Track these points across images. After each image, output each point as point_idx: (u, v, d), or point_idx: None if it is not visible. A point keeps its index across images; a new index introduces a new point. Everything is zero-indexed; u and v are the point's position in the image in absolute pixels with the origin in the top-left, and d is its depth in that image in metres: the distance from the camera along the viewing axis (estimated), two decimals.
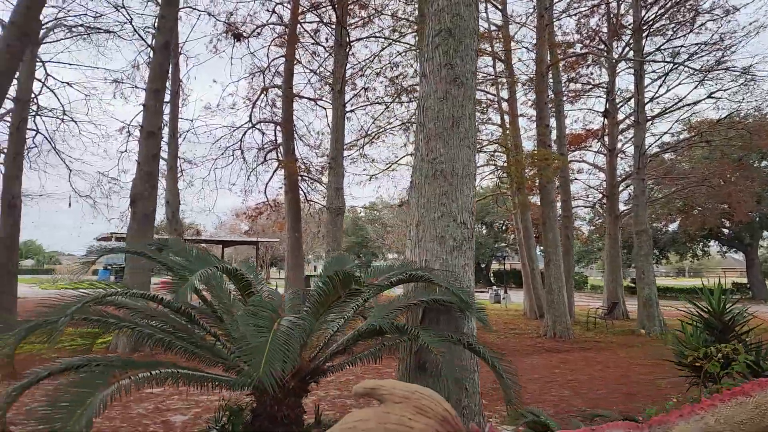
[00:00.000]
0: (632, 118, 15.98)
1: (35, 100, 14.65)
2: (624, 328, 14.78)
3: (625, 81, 28.45)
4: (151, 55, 16.69)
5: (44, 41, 14.87)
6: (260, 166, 18.12)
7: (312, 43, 16.22)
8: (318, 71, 16.42)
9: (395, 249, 39.22)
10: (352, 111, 14.26)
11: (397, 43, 13.69)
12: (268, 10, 16.56)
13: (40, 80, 14.87)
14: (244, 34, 16.96)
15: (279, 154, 17.82)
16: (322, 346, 3.00)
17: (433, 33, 4.13)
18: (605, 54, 16.96)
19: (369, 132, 15.50)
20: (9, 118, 13.17)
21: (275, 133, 17.95)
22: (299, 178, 16.31)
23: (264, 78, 17.46)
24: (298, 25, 15.89)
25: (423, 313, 3.66)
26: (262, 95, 17.53)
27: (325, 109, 17.63)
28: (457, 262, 3.77)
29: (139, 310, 2.97)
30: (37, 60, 14.55)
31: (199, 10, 15.68)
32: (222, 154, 17.75)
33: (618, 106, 18.26)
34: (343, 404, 5.86)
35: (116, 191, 17.34)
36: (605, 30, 17.81)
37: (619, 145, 19.21)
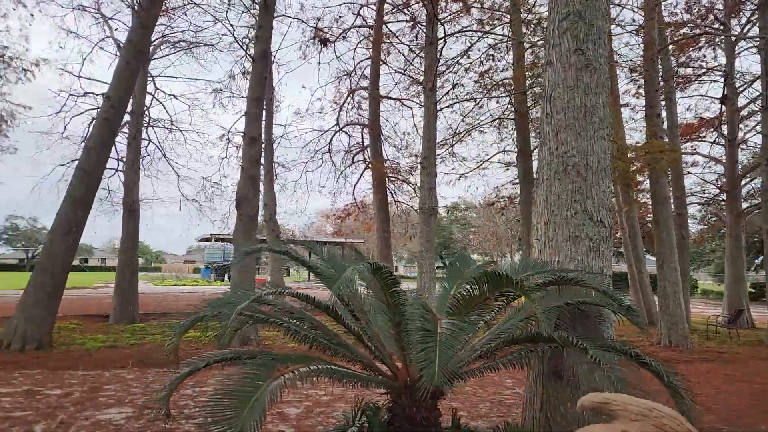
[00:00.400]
0: (758, 103, 14.33)
1: (147, 113, 16.10)
2: (750, 338, 13.29)
3: (746, 62, 25.69)
4: (246, 65, 17.84)
5: (153, 57, 16.33)
6: (348, 168, 18.60)
7: (398, 43, 16.35)
8: (404, 71, 16.51)
9: (481, 250, 38.45)
10: (440, 110, 14.13)
11: (489, 36, 13.38)
12: (353, 14, 16.95)
13: (150, 94, 16.33)
14: (331, 39, 17.49)
15: (366, 156, 18.17)
16: (462, 348, 2.94)
17: (560, 17, 3.91)
18: (723, 33, 15.35)
19: (458, 130, 15.30)
20: (126, 130, 14.57)
21: (362, 135, 18.32)
22: (387, 179, 16.50)
23: (350, 81, 17.90)
24: (384, 26, 16.10)
25: (558, 318, 3.48)
26: (349, 98, 17.98)
27: (411, 109, 17.71)
28: (594, 264, 3.52)
29: (277, 306, 3.09)
30: (148, 75, 16.00)
31: (289, 17, 16.40)
32: (312, 157, 18.44)
33: (738, 91, 16.46)
34: (476, 409, 5.75)
35: (218, 195, 18.60)
36: (720, 7, 16.14)
37: (740, 134, 17.31)
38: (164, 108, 17.12)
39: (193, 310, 2.85)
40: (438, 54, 12.15)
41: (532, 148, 13.03)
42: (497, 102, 14.91)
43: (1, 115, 15.15)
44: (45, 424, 4.75)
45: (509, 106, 14.79)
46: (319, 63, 17.51)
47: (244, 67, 17.89)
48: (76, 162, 15.05)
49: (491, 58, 14.31)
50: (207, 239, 34.96)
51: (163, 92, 17.16)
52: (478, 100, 14.51)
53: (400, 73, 16.71)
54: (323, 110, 20.18)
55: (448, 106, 13.82)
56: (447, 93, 13.98)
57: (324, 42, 16.95)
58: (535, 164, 12.60)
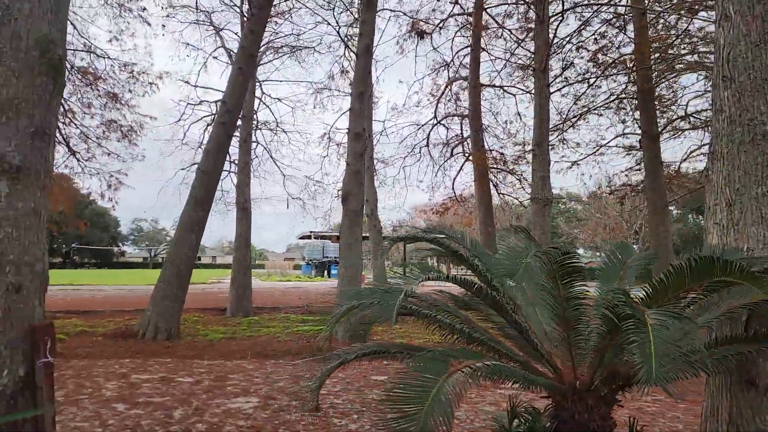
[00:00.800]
0: None
1: (256, 116, 17.06)
2: None
3: None
4: (345, 64, 18.25)
5: (259, 63, 17.24)
6: (447, 162, 18.31)
7: (498, 28, 15.71)
8: (511, 53, 15.84)
9: (588, 243, 36.00)
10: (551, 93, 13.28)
11: (605, 11, 12.33)
12: (451, 2, 16.59)
13: (258, 98, 17.28)
14: (428, 31, 17.29)
15: (466, 148, 17.74)
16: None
17: None
18: None
19: (568, 115, 14.35)
20: (237, 133, 15.52)
21: (461, 126, 17.93)
22: (489, 170, 15.96)
23: (448, 72, 17.58)
24: (484, 12, 15.56)
25: (747, 319, 2.95)
26: (447, 89, 17.67)
27: (514, 96, 16.96)
28: None
29: (421, 298, 2.94)
30: (256, 80, 16.93)
31: (390, 10, 16.42)
32: (410, 152, 18.40)
33: None
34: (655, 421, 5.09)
35: (320, 193, 19.24)
36: None
37: None
38: (270, 111, 18.10)
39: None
40: (552, 33, 11.40)
41: (660, 129, 11.80)
42: (614, 81, 13.74)
43: (131, 125, 16.86)
44: (182, 410, 5.04)
45: (628, 84, 13.56)
46: (416, 56, 17.43)
47: (342, 66, 18.33)
48: (195, 165, 16.46)
49: (604, 36, 13.19)
50: (307, 237, 36.60)
51: (269, 96, 18.11)
52: (593, 80, 13.46)
53: (501, 59, 16.08)
54: (420, 104, 20.08)
55: (557, 90, 12.99)
56: (557, 77, 13.14)
57: (421, 34, 16.81)
58: (663, 146, 11.38)
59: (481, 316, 3.22)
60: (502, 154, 17.08)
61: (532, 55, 12.89)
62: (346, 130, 11.70)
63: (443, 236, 2.98)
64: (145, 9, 15.91)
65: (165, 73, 17.32)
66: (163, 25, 17.00)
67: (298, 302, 17.48)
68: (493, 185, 16.47)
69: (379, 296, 2.53)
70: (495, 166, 16.83)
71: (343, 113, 18.24)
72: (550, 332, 2.77)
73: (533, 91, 12.16)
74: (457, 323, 2.74)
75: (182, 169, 16.74)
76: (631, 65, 12.89)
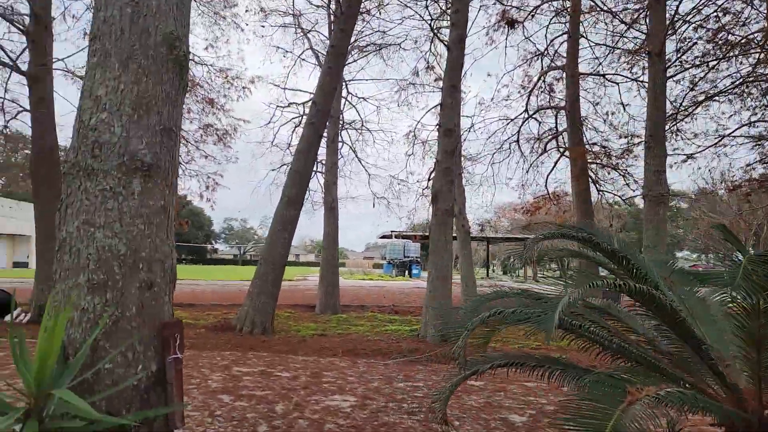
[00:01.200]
0: None
1: (342, 116, 17.32)
2: None
3: None
4: (431, 60, 17.98)
5: (345, 63, 17.48)
6: (539, 158, 17.45)
7: (600, 11, 14.63)
8: (611, 42, 14.72)
9: (693, 247, 32.77)
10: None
11: None
12: None
13: (344, 98, 17.52)
14: (519, 19, 16.54)
15: (561, 142, 16.79)
16: None
17: None
18: None
19: (684, 103, 13.00)
20: (325, 133, 15.82)
21: (555, 119, 16.98)
22: (589, 166, 14.96)
23: (541, 62, 16.72)
24: None
25: None
26: (540, 81, 16.82)
27: (616, 84, 15.75)
28: None
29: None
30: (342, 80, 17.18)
31: None
32: (499, 148, 17.75)
33: None
34: None
35: (404, 192, 19.16)
36: None
37: None
38: (356, 111, 18.27)
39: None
40: (671, 12, 10.32)
41: None
42: (740, 63, 12.22)
43: (226, 129, 17.84)
44: (283, 404, 5.10)
45: (757, 66, 12.01)
46: (506, 47, 16.69)
47: (428, 62, 18.08)
48: (284, 166, 17.05)
49: (728, 12, 11.75)
50: (388, 236, 36.82)
51: (355, 96, 18.30)
52: (713, 62, 12.05)
53: (604, 45, 14.96)
54: (509, 97, 19.27)
55: (670, 77, 11.75)
56: (670, 61, 11.91)
57: (512, 23, 16.11)
58: None
59: (624, 326, 2.84)
60: (604, 147, 15.91)
61: (643, 39, 11.78)
62: (436, 126, 11.45)
63: (585, 234, 2.64)
64: (237, 15, 16.77)
65: (257, 77, 18.11)
66: (254, 32, 17.77)
67: (383, 301, 17.53)
68: (593, 182, 15.40)
69: (519, 302, 2.26)
70: (596, 161, 15.73)
71: (429, 110, 18.04)
72: (722, 349, 2.34)
73: (646, 78, 11.12)
74: (606, 335, 2.40)
75: (272, 169, 17.41)
76: (762, 43, 11.39)
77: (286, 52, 17.69)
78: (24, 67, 11.11)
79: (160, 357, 2.61)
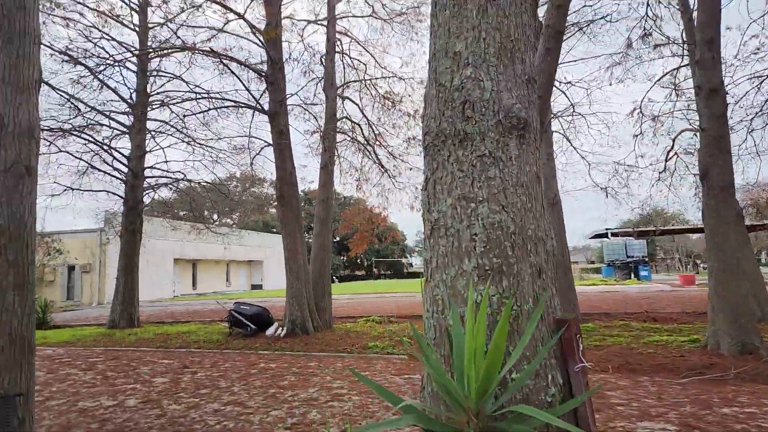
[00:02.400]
0: None
1: (550, 105, 16.02)
2: None
3: None
4: (647, 26, 15.56)
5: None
6: None
7: None
8: None
9: None
10: None
11: None
12: None
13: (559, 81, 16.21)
14: None
15: None
16: None
17: None
18: None
19: None
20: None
21: None
22: None
23: None
24: None
25: None
26: None
27: None
28: None
29: None
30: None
31: None
32: (758, 112, 14.36)
33: None
34: None
35: (634, 179, 16.86)
36: None
37: None
38: (566, 96, 16.78)
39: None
40: None
41: None
42: None
43: None
44: None
45: None
46: None
47: (644, 29, 15.71)
48: None
49: None
50: (602, 235, 33.18)
51: (562, 81, 16.81)
52: None
53: None
54: (760, 48, 15.57)
55: None
56: None
57: None
58: None
59: None
60: None
61: None
62: (695, 88, 9.60)
63: None
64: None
65: None
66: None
67: (626, 308, 15.44)
68: None
69: None
70: None
71: (658, 80, 15.59)
72: None
73: None
74: None
75: None
76: None
77: None
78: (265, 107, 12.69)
79: (562, 365, 2.07)
